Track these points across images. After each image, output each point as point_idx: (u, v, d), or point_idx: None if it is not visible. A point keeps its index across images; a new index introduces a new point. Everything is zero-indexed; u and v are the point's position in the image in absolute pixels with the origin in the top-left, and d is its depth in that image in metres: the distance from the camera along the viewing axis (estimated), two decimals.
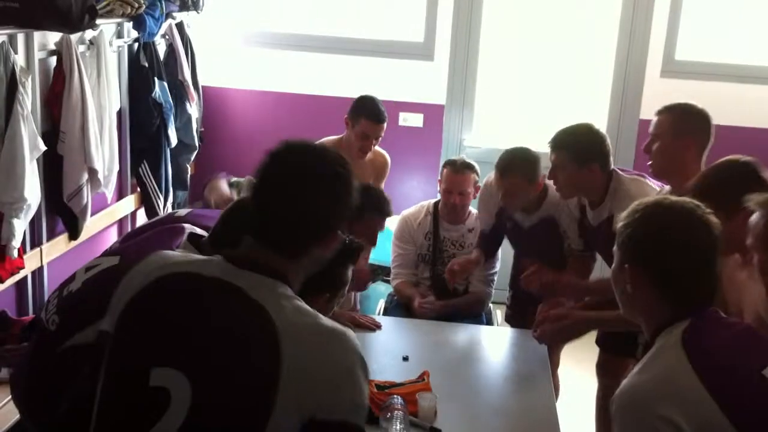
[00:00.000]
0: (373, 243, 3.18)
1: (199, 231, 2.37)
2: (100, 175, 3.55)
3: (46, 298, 3.51)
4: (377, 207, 3.10)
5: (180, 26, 4.49)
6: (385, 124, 3.84)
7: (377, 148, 3.95)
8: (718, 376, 1.64)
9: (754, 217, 2.11)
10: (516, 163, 3.26)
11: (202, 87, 4.79)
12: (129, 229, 4.26)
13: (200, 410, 1.50)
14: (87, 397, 1.68)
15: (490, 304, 3.97)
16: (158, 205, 4.25)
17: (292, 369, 1.49)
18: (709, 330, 1.73)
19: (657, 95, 4.95)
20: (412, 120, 5.08)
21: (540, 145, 3.27)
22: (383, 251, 3.94)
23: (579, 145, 3.00)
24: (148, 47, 4.13)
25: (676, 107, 2.81)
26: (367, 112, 3.81)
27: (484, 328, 3.36)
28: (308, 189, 1.64)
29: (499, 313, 4.01)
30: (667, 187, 2.98)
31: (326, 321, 1.58)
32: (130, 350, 1.61)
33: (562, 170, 3.02)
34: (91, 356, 1.81)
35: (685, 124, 2.75)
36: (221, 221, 2.26)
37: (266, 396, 1.48)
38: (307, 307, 1.59)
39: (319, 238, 1.67)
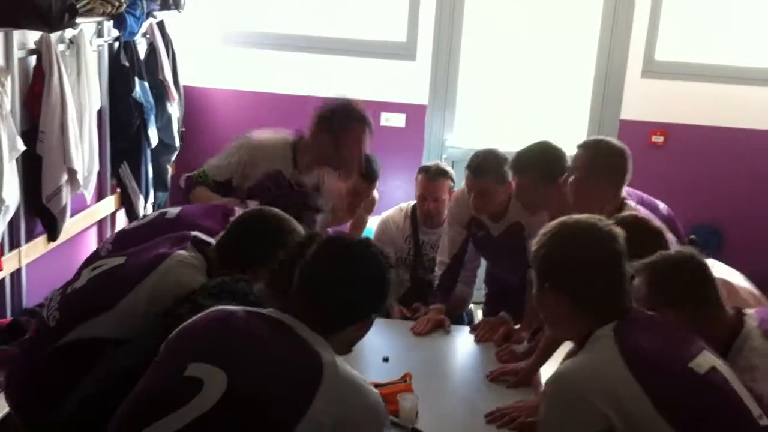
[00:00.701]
0: (357, 155, 3.33)
1: (203, 237, 2.44)
2: (80, 176, 3.52)
3: (25, 300, 3.49)
4: (361, 119, 3.29)
5: (161, 25, 4.47)
6: (377, 183, 3.81)
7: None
8: (648, 369, 1.71)
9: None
10: (487, 164, 3.26)
11: (183, 87, 4.77)
12: (109, 231, 4.24)
13: (229, 405, 1.60)
14: (98, 396, 1.85)
15: (471, 305, 3.98)
16: (138, 206, 4.22)
17: (324, 404, 1.63)
18: (637, 327, 1.82)
19: (638, 96, 5.00)
20: (394, 120, 5.08)
21: (521, 145, 3.28)
22: None
23: (546, 165, 3.06)
24: (128, 46, 4.11)
25: (592, 144, 2.86)
26: (365, 171, 3.64)
27: (465, 329, 3.36)
28: (353, 283, 1.85)
29: (480, 313, 4.02)
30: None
31: (363, 380, 1.76)
32: (176, 349, 1.76)
33: (529, 190, 3.08)
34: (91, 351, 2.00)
35: (598, 161, 2.79)
36: (231, 237, 2.38)
37: (293, 416, 1.61)
38: (347, 364, 1.77)
39: (355, 321, 1.88)
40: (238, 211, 2.83)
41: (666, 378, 1.71)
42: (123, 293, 2.20)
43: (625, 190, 3.24)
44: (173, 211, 2.84)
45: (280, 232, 2.36)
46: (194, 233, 2.43)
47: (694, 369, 1.74)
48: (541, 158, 3.09)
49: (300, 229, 2.42)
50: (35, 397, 2.19)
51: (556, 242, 1.90)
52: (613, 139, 2.96)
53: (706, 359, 1.78)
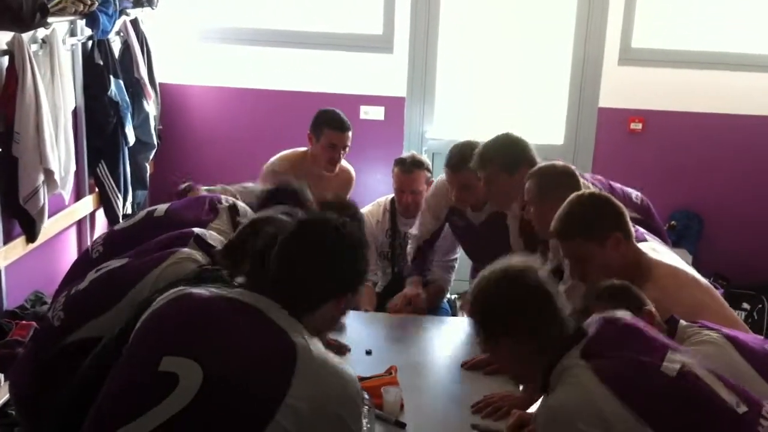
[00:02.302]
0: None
1: (206, 235, 2.44)
2: (57, 176, 3.49)
3: (5, 302, 3.46)
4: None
5: (135, 23, 4.43)
6: (350, 133, 3.82)
7: (343, 162, 3.92)
8: (630, 389, 1.72)
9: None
10: (465, 158, 3.25)
11: (160, 84, 4.73)
12: (88, 231, 4.21)
13: (206, 399, 1.59)
14: (88, 388, 1.81)
15: (454, 295, 3.98)
16: (117, 206, 4.19)
17: (300, 388, 1.63)
18: (601, 346, 1.82)
19: (615, 83, 5.01)
20: (373, 113, 5.06)
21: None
22: None
23: (507, 155, 3.07)
24: (102, 45, 4.07)
25: (537, 172, 2.87)
26: (329, 123, 3.78)
27: (448, 320, 3.37)
28: (328, 261, 1.86)
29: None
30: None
31: (337, 360, 1.77)
32: (146, 343, 1.74)
33: (495, 183, 3.09)
34: (93, 350, 2.00)
35: (548, 187, 2.80)
36: (240, 239, 2.31)
37: (270, 404, 1.61)
38: (320, 345, 1.76)
39: (331, 300, 1.88)
40: (225, 199, 2.83)
41: (648, 393, 1.72)
42: (126, 291, 2.20)
43: (595, 179, 3.28)
44: (161, 208, 2.83)
45: None
46: (196, 232, 2.43)
47: (666, 374, 1.75)
48: (502, 150, 3.10)
49: None
50: (39, 397, 2.18)
51: (485, 297, 1.94)
52: (558, 161, 2.97)
53: (674, 359, 1.78)
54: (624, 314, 1.94)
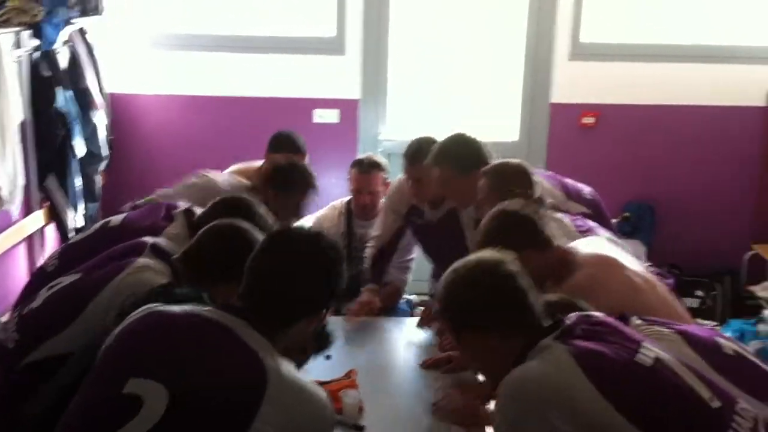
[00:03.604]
0: (298, 216, 3.41)
1: (162, 243, 2.40)
2: (5, 192, 3.44)
3: None
4: (305, 183, 3.40)
5: (82, 32, 4.36)
6: (306, 156, 3.77)
7: None
8: (603, 373, 1.70)
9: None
10: (423, 151, 3.26)
11: (109, 94, 4.67)
12: (38, 247, 4.14)
13: (171, 422, 1.56)
14: (55, 408, 1.77)
15: (413, 295, 3.99)
16: (68, 219, 4.12)
17: (270, 413, 1.60)
18: (577, 333, 1.81)
19: (567, 78, 5.06)
20: (327, 116, 5.05)
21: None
22: None
23: (459, 155, 3.08)
24: (49, 56, 3.99)
25: (490, 171, 2.89)
26: (286, 148, 3.67)
27: (406, 320, 3.37)
28: (301, 276, 1.82)
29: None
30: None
31: (309, 383, 1.75)
32: (112, 363, 1.71)
33: (449, 182, 3.09)
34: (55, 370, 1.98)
35: (501, 185, 2.82)
36: (201, 248, 2.31)
37: (238, 428, 1.58)
38: (292, 367, 1.74)
39: (306, 317, 1.86)
40: (182, 204, 2.80)
41: (620, 378, 1.70)
42: (83, 306, 2.16)
43: (546, 176, 3.31)
44: (116, 219, 2.81)
45: (252, 247, 2.30)
46: (151, 241, 2.39)
47: (640, 363, 1.74)
48: (455, 150, 3.11)
49: None
50: None
51: (456, 291, 1.92)
52: (511, 159, 2.98)
53: (648, 351, 1.78)
54: (596, 313, 1.94)
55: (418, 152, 3.28)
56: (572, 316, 1.88)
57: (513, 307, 1.87)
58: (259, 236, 2.35)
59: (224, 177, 3.53)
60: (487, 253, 1.97)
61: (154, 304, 1.84)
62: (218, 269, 2.25)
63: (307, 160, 3.75)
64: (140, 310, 1.82)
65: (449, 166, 3.08)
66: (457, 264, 1.98)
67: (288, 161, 3.51)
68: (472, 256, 1.99)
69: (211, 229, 2.36)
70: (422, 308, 3.42)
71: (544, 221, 2.49)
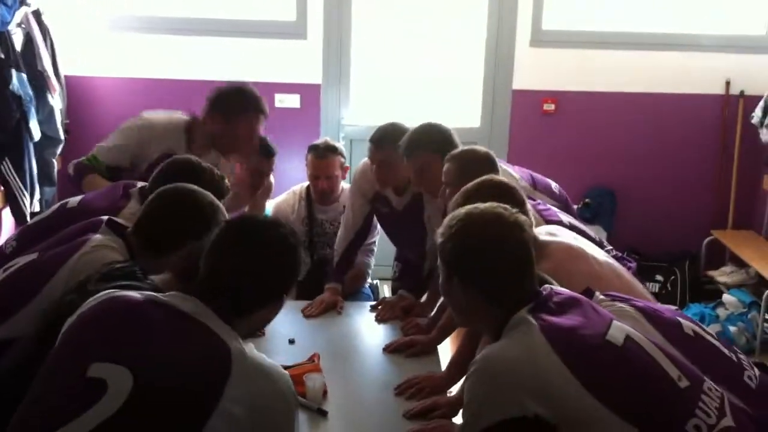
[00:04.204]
0: (249, 144, 3.39)
1: (118, 220, 2.36)
2: None
3: None
4: (256, 105, 3.34)
5: (37, 14, 4.27)
6: (276, 159, 3.71)
7: None
8: (574, 352, 1.69)
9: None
10: (388, 136, 3.24)
11: (65, 76, 4.57)
12: None
13: (136, 405, 1.54)
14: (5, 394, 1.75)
15: (376, 280, 3.97)
16: (24, 204, 4.04)
17: (235, 394, 1.60)
18: (551, 308, 1.80)
19: (528, 65, 5.08)
20: (288, 101, 5.01)
21: (417, 120, 3.27)
22: None
23: (437, 139, 3.05)
24: (2, 37, 3.91)
25: (458, 155, 2.87)
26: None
27: (370, 305, 3.35)
28: (262, 268, 1.80)
29: (386, 289, 4.02)
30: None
31: (272, 365, 1.74)
32: (74, 348, 1.67)
33: (429, 168, 3.05)
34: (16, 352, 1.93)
35: (467, 170, 2.82)
36: (151, 217, 2.27)
37: (204, 409, 1.57)
38: (255, 350, 1.74)
39: (266, 304, 1.85)
40: (140, 183, 2.76)
41: (591, 358, 1.69)
42: (41, 286, 2.12)
43: (514, 168, 3.32)
44: (74, 200, 2.76)
45: (201, 210, 2.27)
46: (106, 217, 2.35)
47: (612, 342, 1.73)
48: (430, 135, 3.08)
49: (218, 204, 2.33)
50: None
51: (462, 234, 1.85)
52: (478, 147, 2.96)
53: (619, 329, 1.77)
54: (565, 290, 1.93)
55: (383, 136, 3.26)
56: (546, 288, 1.87)
57: (514, 278, 1.83)
58: (209, 198, 2.32)
59: (161, 115, 3.45)
60: (508, 212, 1.89)
61: (114, 290, 1.80)
62: (168, 237, 2.23)
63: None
64: (99, 295, 1.79)
65: (428, 151, 3.05)
66: (476, 206, 1.91)
67: (231, 85, 3.44)
68: (493, 209, 1.90)
69: (156, 196, 2.32)
70: (380, 302, 3.38)
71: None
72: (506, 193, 2.36)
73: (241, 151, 3.46)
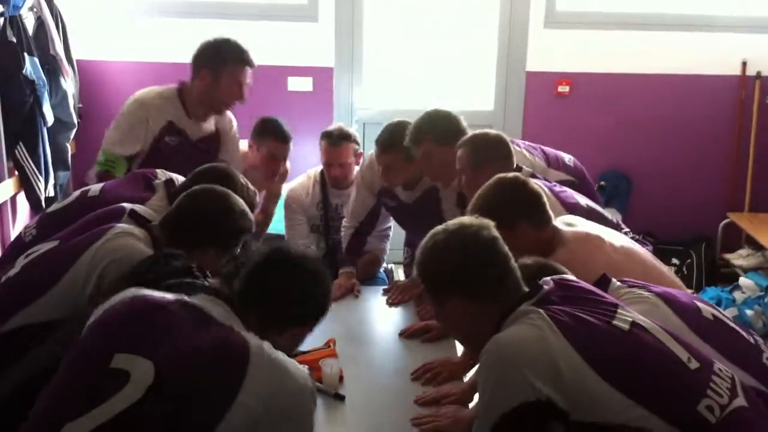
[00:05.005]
0: (240, 96, 3.42)
1: (140, 211, 2.39)
2: None
3: None
4: (239, 55, 3.39)
5: None
6: (291, 144, 3.72)
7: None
8: (583, 337, 1.69)
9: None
10: (394, 139, 3.21)
11: (77, 61, 4.55)
12: (10, 216, 4.06)
13: (157, 396, 1.56)
14: (37, 378, 1.77)
15: (391, 264, 3.96)
16: (39, 188, 4.04)
17: (253, 389, 1.62)
18: (555, 299, 1.80)
19: (542, 47, 5.04)
20: (301, 84, 4.99)
21: (430, 104, 3.26)
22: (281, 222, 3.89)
23: (441, 128, 3.05)
24: (14, 21, 3.88)
25: (469, 140, 2.87)
26: (273, 134, 3.63)
27: (384, 288, 3.35)
28: (293, 286, 1.87)
29: (400, 272, 4.02)
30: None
31: (291, 361, 1.76)
32: (97, 339, 1.70)
33: (432, 157, 3.06)
34: (38, 337, 1.96)
35: (480, 154, 2.82)
36: (181, 213, 2.31)
37: (222, 401, 1.59)
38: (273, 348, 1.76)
39: (289, 327, 1.89)
40: (161, 174, 2.76)
41: (599, 342, 1.70)
42: (62, 273, 2.14)
43: (527, 145, 3.29)
44: (95, 188, 2.78)
45: (230, 211, 2.32)
46: (130, 207, 2.38)
47: (618, 327, 1.73)
48: (435, 123, 3.08)
49: (249, 213, 2.39)
50: None
51: (437, 256, 1.90)
52: (489, 130, 2.96)
53: (625, 314, 1.77)
54: (571, 277, 1.93)
55: (389, 140, 3.23)
56: (548, 281, 1.87)
57: (494, 274, 1.85)
58: (239, 203, 2.35)
59: (151, 89, 3.50)
60: (466, 219, 1.95)
61: (139, 289, 1.83)
62: (195, 235, 2.25)
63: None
64: (125, 292, 1.81)
65: (431, 139, 3.05)
66: (437, 229, 1.96)
67: (212, 39, 3.47)
68: (452, 222, 1.97)
69: (189, 194, 2.36)
70: (392, 285, 3.37)
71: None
72: (518, 191, 2.41)
73: (230, 103, 3.48)
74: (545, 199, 2.46)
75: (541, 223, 2.42)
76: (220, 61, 3.39)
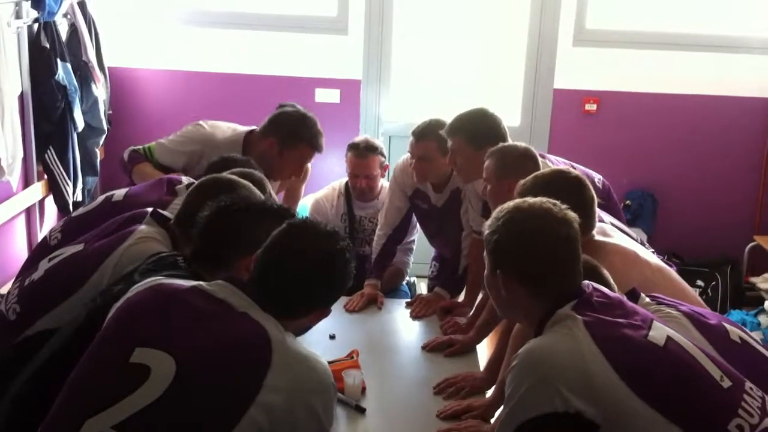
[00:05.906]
0: (299, 174, 3.45)
1: (162, 212, 2.39)
2: (4, 163, 3.41)
3: None
4: (310, 140, 3.34)
5: (82, 4, 4.31)
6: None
7: None
8: (619, 351, 1.67)
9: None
10: (430, 129, 3.24)
11: (108, 68, 4.61)
12: (38, 218, 4.11)
13: (178, 391, 1.55)
14: (47, 379, 1.78)
15: (413, 277, 3.96)
16: (67, 192, 4.08)
17: (275, 382, 1.61)
18: (595, 306, 1.77)
19: (570, 64, 5.03)
20: (328, 96, 5.01)
21: None
22: None
23: (475, 129, 3.04)
24: (48, 27, 3.95)
25: (496, 152, 2.85)
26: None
27: (407, 301, 3.35)
28: (317, 277, 1.82)
29: (423, 285, 4.01)
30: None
31: (312, 353, 1.74)
32: (118, 333, 1.69)
33: (460, 154, 3.06)
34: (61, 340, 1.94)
35: (505, 166, 2.80)
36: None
37: (244, 397, 1.58)
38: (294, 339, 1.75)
39: (310, 310, 1.85)
40: (186, 179, 2.78)
41: (634, 356, 1.67)
42: (87, 276, 2.14)
43: (557, 161, 3.29)
44: (119, 193, 2.79)
45: (255, 216, 2.23)
46: (151, 208, 2.38)
47: (653, 342, 1.71)
48: (471, 123, 3.08)
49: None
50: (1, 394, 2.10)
51: (510, 228, 1.83)
52: (518, 143, 2.94)
53: (660, 330, 1.75)
54: (605, 289, 1.90)
55: (425, 130, 3.27)
56: (588, 285, 1.84)
57: (558, 273, 1.81)
58: (250, 191, 2.33)
59: (223, 127, 3.43)
60: (557, 208, 1.86)
61: (160, 278, 1.82)
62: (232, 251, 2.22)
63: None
64: (145, 281, 1.81)
65: (462, 138, 3.05)
66: (523, 204, 1.88)
67: (296, 111, 3.44)
68: (541, 204, 1.86)
69: (195, 186, 2.36)
70: (416, 298, 3.37)
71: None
72: (574, 190, 2.35)
73: (287, 177, 3.48)
74: (596, 206, 2.44)
75: (587, 228, 2.37)
76: (294, 139, 3.33)
